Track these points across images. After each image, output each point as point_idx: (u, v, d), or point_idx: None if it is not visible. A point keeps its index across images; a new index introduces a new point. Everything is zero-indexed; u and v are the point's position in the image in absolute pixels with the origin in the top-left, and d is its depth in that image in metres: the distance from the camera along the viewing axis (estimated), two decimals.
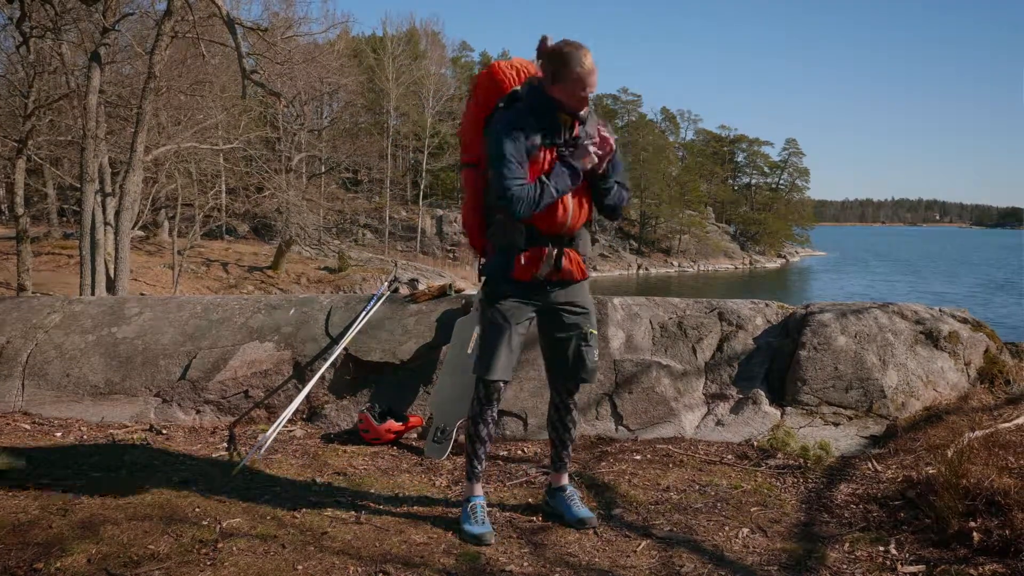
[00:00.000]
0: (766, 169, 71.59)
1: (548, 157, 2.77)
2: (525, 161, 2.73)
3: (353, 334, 4.41)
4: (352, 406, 4.35)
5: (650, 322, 4.50)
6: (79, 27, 16.40)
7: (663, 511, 3.13)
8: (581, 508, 3.04)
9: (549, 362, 3.07)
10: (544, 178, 2.73)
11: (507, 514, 3.09)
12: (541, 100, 2.77)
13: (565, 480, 3.13)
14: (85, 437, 4.10)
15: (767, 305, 4.69)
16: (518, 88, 2.87)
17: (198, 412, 4.42)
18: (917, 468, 3.34)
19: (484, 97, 2.94)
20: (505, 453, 3.92)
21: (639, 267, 53.94)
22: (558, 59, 2.71)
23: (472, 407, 2.98)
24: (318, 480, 3.47)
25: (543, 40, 2.79)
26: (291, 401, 4.18)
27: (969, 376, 4.34)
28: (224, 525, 2.89)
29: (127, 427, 4.27)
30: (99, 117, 14.98)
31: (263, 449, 3.76)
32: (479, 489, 3.02)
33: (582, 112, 2.79)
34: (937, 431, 3.72)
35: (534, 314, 2.95)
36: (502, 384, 2.93)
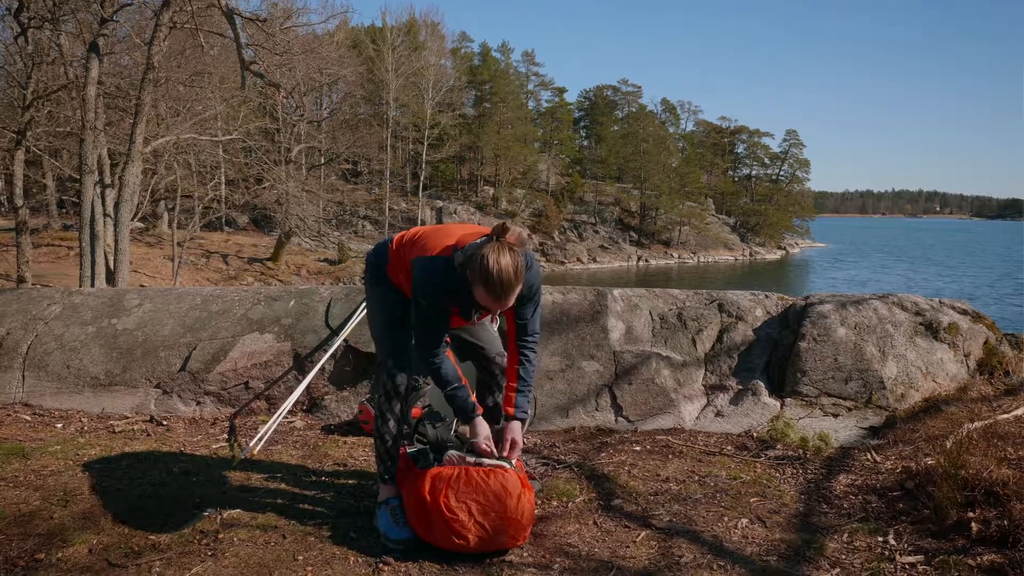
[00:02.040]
0: (766, 160, 71.43)
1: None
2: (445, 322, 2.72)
3: (353, 325, 4.41)
4: (352, 397, 4.35)
5: (650, 313, 4.50)
6: (77, 17, 16.33)
7: (663, 501, 3.14)
8: None
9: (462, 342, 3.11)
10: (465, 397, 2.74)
11: None
12: (463, 287, 2.56)
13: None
14: (86, 428, 4.11)
15: (767, 296, 4.69)
16: (459, 251, 2.57)
17: (198, 403, 4.43)
18: (916, 459, 3.35)
19: None
20: None
21: (639, 258, 53.91)
22: (482, 272, 2.45)
23: (381, 399, 2.83)
24: (318, 471, 3.48)
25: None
26: (291, 392, 4.19)
27: (968, 367, 4.35)
28: (225, 516, 2.90)
29: (128, 418, 4.28)
30: (98, 108, 14.93)
31: (263, 440, 3.77)
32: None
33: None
34: (936, 422, 3.73)
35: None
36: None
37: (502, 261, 2.42)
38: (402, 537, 2.68)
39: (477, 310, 2.77)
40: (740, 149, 73.30)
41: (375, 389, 4.32)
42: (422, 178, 46.67)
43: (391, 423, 2.83)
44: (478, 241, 2.52)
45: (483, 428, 2.78)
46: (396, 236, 2.90)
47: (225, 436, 4.00)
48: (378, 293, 2.89)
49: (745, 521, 2.95)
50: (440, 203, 48.10)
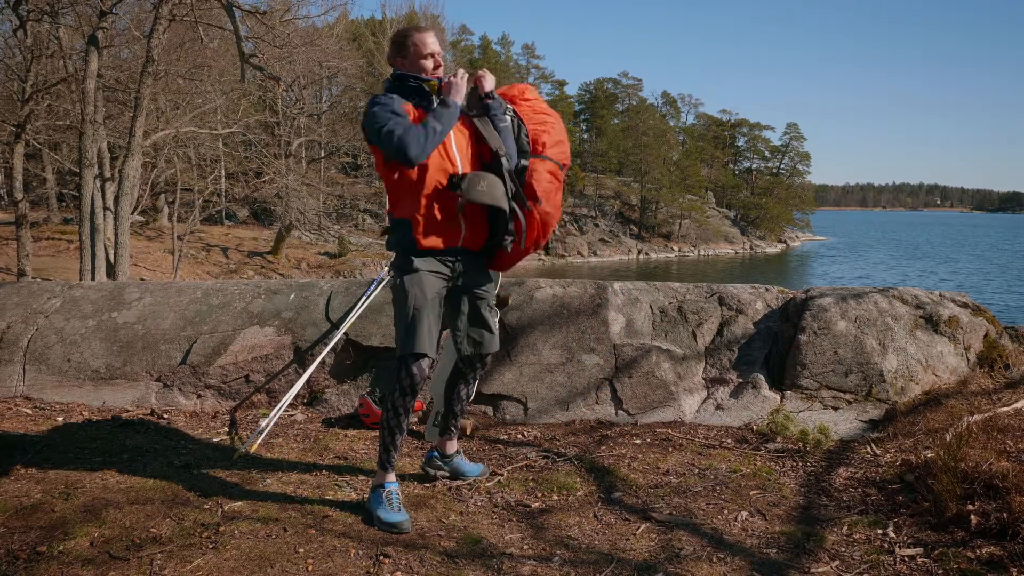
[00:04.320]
0: (767, 154, 71.26)
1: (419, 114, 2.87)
2: (403, 115, 2.80)
3: (353, 319, 4.41)
4: (353, 391, 4.36)
5: (650, 307, 4.50)
6: (76, 10, 16.25)
7: (663, 494, 3.15)
8: (475, 464, 3.36)
9: (454, 330, 3.09)
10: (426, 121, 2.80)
11: (507, 498, 3.11)
12: (401, 80, 2.93)
13: (456, 445, 3.31)
14: (87, 422, 4.11)
15: (767, 290, 4.69)
16: (386, 86, 2.97)
17: (199, 397, 4.43)
18: (916, 452, 3.36)
19: None
20: (505, 437, 3.93)
21: (639, 252, 53.85)
22: (395, 41, 2.96)
23: (393, 394, 2.86)
24: (319, 464, 3.48)
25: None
26: (292, 386, 4.19)
27: (968, 360, 4.35)
28: (226, 509, 2.91)
29: (128, 411, 4.29)
30: (97, 102, 14.89)
31: (264, 433, 3.77)
32: (393, 476, 2.94)
33: (444, 77, 2.91)
34: (936, 415, 3.73)
35: (447, 287, 2.94)
36: (429, 361, 2.83)
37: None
38: (396, 520, 2.77)
39: (435, 96, 2.89)
40: (741, 142, 73.13)
41: (374, 382, 4.33)
42: None
43: (403, 419, 2.89)
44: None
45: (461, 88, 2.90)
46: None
47: (226, 429, 4.01)
48: (404, 281, 2.87)
49: (745, 514, 2.96)
50: None
